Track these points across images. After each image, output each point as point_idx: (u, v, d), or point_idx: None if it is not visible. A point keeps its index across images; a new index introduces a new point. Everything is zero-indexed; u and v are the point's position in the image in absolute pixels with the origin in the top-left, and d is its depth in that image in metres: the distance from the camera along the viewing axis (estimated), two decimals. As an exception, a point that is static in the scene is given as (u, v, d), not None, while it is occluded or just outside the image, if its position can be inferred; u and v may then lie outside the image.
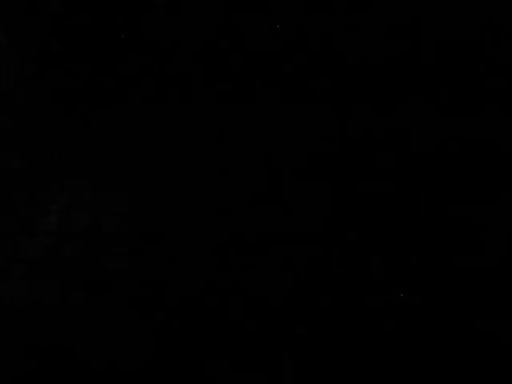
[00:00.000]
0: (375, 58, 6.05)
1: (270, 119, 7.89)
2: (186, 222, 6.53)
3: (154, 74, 8.17)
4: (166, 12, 6.93)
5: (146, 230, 6.50)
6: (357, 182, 7.23)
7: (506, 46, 5.62)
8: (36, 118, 11.96)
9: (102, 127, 13.18)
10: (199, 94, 8.63)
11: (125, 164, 10.44)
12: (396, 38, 6.10)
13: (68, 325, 4.09)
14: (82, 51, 9.62)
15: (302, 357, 4.04)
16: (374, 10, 5.87)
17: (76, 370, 3.54)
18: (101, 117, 12.96)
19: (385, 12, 5.91)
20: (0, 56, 10.58)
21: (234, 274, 5.23)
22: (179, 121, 10.84)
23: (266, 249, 5.76)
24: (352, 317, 4.52)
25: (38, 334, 3.96)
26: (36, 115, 11.96)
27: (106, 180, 9.32)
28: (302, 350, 4.16)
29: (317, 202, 7.56)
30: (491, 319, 4.47)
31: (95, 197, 8.34)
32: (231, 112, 8.07)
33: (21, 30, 9.83)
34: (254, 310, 4.58)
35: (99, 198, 8.18)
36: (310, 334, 4.29)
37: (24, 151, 10.06)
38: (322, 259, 5.99)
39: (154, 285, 4.73)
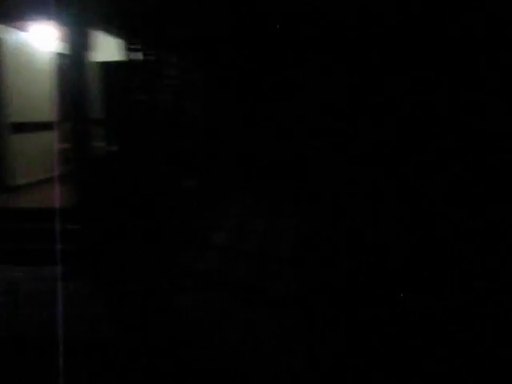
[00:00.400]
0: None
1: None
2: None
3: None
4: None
5: (314, 255, 6.66)
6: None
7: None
8: (211, 139, 12.44)
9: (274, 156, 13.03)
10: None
11: (299, 188, 10.58)
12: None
13: (234, 338, 4.17)
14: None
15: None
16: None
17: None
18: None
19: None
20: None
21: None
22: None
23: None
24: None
25: (207, 346, 4.05)
26: (210, 138, 12.42)
27: (278, 202, 9.57)
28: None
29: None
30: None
31: (266, 217, 8.59)
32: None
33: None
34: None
35: (270, 218, 8.43)
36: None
37: (200, 170, 10.53)
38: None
39: (313, 308, 4.77)
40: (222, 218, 8.69)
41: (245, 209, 9.46)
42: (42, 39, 9.14)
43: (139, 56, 8.65)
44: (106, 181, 7.37)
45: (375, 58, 12.82)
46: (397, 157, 11.35)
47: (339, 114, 14.28)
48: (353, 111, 13.95)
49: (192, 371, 3.71)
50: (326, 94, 14.57)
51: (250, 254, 6.84)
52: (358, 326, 4.37)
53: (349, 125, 13.92)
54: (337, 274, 5.81)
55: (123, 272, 6.13)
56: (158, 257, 6.72)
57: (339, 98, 14.24)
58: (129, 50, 8.23)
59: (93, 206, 6.80)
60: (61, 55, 9.00)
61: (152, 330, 4.47)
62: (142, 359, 3.94)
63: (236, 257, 6.74)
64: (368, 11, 12.50)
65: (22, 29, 8.59)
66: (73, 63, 6.88)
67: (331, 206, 9.45)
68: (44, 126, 9.26)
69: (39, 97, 9.18)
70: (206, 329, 4.44)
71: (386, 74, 12.48)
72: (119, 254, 6.64)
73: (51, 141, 9.27)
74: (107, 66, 9.96)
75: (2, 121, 8.42)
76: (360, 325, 4.39)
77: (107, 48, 8.68)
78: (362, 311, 4.71)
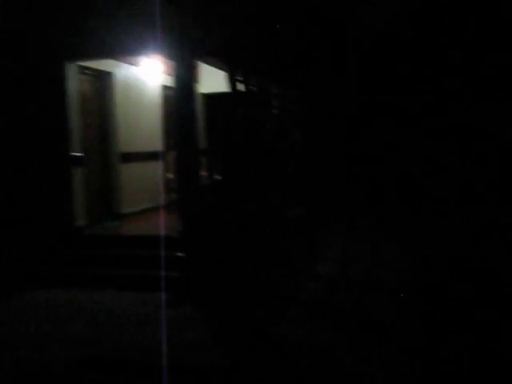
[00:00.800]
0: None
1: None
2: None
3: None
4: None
5: (416, 284, 6.53)
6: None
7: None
8: (315, 167, 12.58)
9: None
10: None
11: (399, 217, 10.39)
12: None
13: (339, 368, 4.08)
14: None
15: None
16: None
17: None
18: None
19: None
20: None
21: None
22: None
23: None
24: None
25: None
26: (310, 166, 12.53)
27: (379, 232, 9.46)
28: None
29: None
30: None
31: (368, 247, 8.51)
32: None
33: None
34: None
35: (372, 249, 8.33)
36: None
37: (304, 199, 10.64)
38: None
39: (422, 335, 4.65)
40: (327, 248, 8.59)
41: (349, 239, 9.29)
42: (149, 73, 9.52)
43: (242, 87, 8.79)
44: (212, 209, 7.46)
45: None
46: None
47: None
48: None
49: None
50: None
51: (353, 284, 6.66)
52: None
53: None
54: (450, 305, 5.55)
55: (228, 299, 6.13)
56: (262, 285, 6.68)
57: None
58: (232, 81, 8.38)
59: (198, 234, 6.88)
60: (167, 88, 9.33)
61: (257, 358, 4.40)
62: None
63: (338, 287, 6.60)
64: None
65: (131, 63, 8.99)
66: (179, 95, 7.10)
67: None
68: (150, 156, 9.56)
69: (146, 127, 9.52)
70: (310, 359, 4.30)
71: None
72: (224, 281, 6.65)
73: (156, 170, 9.56)
74: (212, 98, 10.22)
75: (113, 151, 8.78)
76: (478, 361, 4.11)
77: (212, 80, 8.90)
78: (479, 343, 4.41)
